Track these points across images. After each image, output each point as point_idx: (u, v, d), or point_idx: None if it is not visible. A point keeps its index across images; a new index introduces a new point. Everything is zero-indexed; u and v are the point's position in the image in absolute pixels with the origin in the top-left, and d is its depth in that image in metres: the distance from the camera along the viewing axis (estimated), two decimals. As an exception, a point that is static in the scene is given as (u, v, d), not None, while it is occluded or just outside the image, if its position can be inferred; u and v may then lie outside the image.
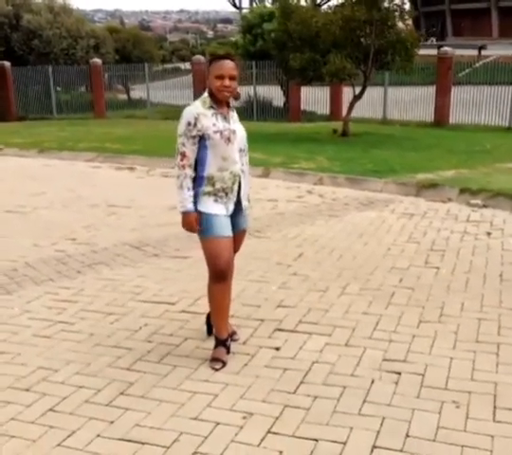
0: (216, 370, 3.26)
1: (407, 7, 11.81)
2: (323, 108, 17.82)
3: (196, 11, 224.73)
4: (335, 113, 17.12)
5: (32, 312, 4.14)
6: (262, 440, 2.63)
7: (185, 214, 3.19)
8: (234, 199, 3.22)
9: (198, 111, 3.11)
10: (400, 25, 11.88)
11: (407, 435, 2.59)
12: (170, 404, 2.96)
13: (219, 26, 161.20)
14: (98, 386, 3.15)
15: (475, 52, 23.84)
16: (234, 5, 61.77)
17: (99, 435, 2.72)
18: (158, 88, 20.90)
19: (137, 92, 22.21)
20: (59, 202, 7.54)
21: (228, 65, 3.09)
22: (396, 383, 3.02)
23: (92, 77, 20.34)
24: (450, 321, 3.70)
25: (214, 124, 3.10)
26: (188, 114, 3.11)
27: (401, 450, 2.50)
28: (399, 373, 3.10)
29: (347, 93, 15.40)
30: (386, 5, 11.21)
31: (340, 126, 12.69)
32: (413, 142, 11.39)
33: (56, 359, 3.45)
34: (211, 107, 3.13)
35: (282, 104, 19.24)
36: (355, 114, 12.88)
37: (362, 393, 2.94)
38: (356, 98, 12.39)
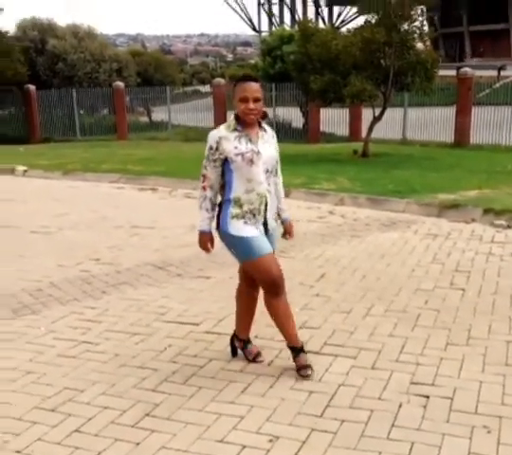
0: (308, 377, 3.29)
1: (426, 28, 11.87)
2: (343, 129, 17.89)
3: (216, 35, 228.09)
4: (354, 134, 17.18)
5: (57, 332, 4.17)
6: (289, 464, 2.60)
7: (200, 234, 3.33)
8: (262, 220, 3.24)
9: (220, 135, 3.17)
10: (419, 46, 11.95)
11: (437, 461, 2.55)
12: (195, 426, 2.94)
13: (239, 49, 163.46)
14: (123, 407, 3.14)
15: (494, 73, 23.87)
16: (254, 28, 62.93)
17: (125, 457, 2.72)
18: (179, 110, 21.19)
19: (159, 114, 22.55)
20: (83, 223, 7.62)
21: (253, 88, 3.12)
22: (425, 407, 2.97)
23: (115, 100, 20.69)
24: (478, 344, 3.64)
25: (236, 147, 3.14)
26: (210, 138, 3.18)
27: (432, 476, 2.46)
28: (427, 397, 3.06)
29: (366, 114, 15.47)
30: (405, 27, 11.30)
31: (360, 147, 12.71)
32: (434, 162, 11.36)
33: (81, 380, 3.46)
34: (235, 130, 3.17)
35: (301, 126, 19.36)
36: (374, 135, 12.91)
37: (390, 417, 2.90)
38: (376, 119, 12.42)
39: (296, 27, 42.96)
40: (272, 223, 3.33)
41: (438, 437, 2.71)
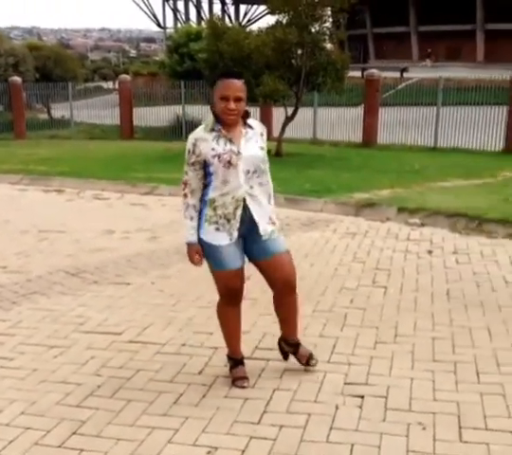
0: (244, 387, 3.19)
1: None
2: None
3: (118, 30, 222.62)
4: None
5: (-34, 347, 3.86)
6: (230, 476, 2.52)
7: (188, 246, 3.13)
8: (237, 225, 3.03)
9: (196, 136, 2.98)
10: (329, 47, 12.19)
11: (378, 462, 2.55)
12: (127, 442, 2.80)
13: (142, 44, 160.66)
14: (47, 426, 2.94)
15: (397, 74, 24.82)
16: (158, 24, 62.05)
17: (53, 481, 2.53)
18: (82, 107, 20.46)
19: (59, 111, 21.63)
20: (-14, 228, 7.16)
21: (235, 86, 2.89)
22: (361, 407, 2.98)
23: (11, 96, 19.62)
24: (406, 341, 3.71)
25: (213, 148, 2.95)
26: (188, 141, 3.00)
27: (374, 478, 2.45)
28: (362, 397, 3.07)
29: (276, 114, 15.63)
30: (317, 28, 11.48)
31: (273, 146, 12.79)
32: (345, 162, 11.62)
33: (-2, 399, 3.21)
34: (213, 130, 2.97)
35: (211, 124, 19.30)
36: (285, 134, 13.04)
37: (328, 420, 2.88)
38: (289, 119, 12.56)
39: (203, 23, 42.82)
40: (267, 227, 3.07)
41: (376, 437, 2.72)
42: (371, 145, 14.56)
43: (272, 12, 12.15)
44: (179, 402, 3.13)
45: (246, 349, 3.65)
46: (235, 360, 3.33)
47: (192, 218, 3.06)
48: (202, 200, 3.05)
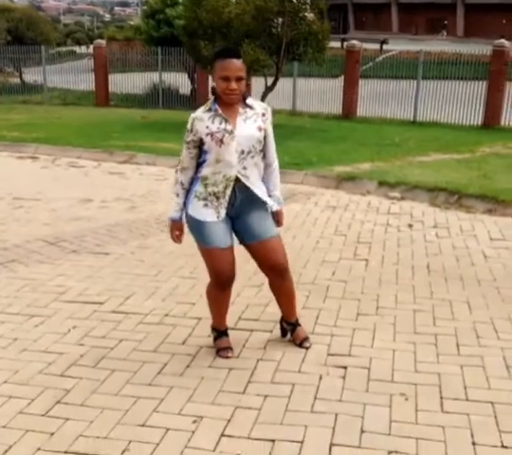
0: (229, 357, 3.22)
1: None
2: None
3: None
4: (244, 103, 17.09)
5: None
6: (217, 444, 2.55)
7: (170, 222, 3.15)
8: (225, 204, 3.02)
9: (194, 116, 3.01)
10: (310, 16, 11.97)
11: (362, 430, 2.60)
12: (113, 411, 2.80)
13: (116, 9, 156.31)
14: (30, 395, 2.93)
15: (377, 46, 24.60)
16: (134, -12, 60.30)
17: (39, 449, 2.54)
18: (54, 72, 19.90)
19: (31, 76, 21.02)
20: (-45, 195, 6.99)
21: (236, 66, 2.86)
22: (344, 377, 3.03)
23: (-19, 59, 19.01)
24: (387, 313, 3.76)
25: (207, 127, 2.96)
26: (188, 121, 3.02)
27: (359, 446, 2.50)
28: (345, 368, 3.11)
29: (255, 84, 15.43)
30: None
31: (253, 117, 12.67)
32: (325, 134, 11.57)
33: (-21, 368, 3.18)
34: (209, 110, 2.98)
35: (189, 92, 18.95)
36: (266, 105, 12.89)
37: (312, 390, 2.92)
38: (269, 89, 12.39)
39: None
40: (266, 199, 3.12)
41: (360, 407, 2.77)
42: (350, 117, 14.49)
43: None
44: (163, 372, 3.13)
45: (229, 319, 3.65)
46: (219, 331, 3.35)
47: (178, 195, 3.10)
48: (195, 177, 3.07)
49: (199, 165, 3.07)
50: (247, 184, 3.03)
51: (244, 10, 11.15)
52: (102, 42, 19.72)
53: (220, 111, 2.96)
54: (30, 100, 18.76)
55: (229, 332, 3.42)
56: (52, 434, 2.64)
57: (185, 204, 3.11)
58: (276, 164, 3.18)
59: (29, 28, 25.22)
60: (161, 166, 8.88)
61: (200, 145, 3.02)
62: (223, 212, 3.04)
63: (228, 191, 3.01)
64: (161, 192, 7.24)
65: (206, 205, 3.03)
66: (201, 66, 13.46)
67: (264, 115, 3.04)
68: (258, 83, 14.79)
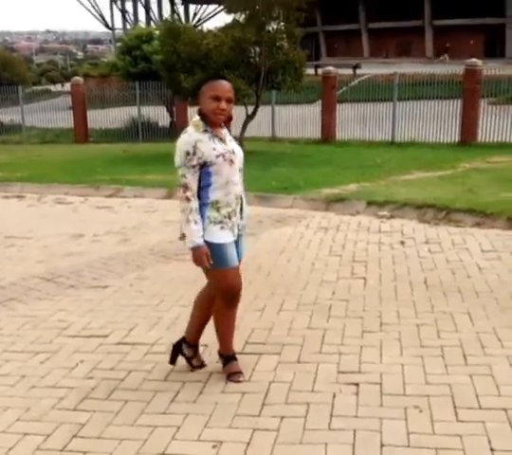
0: (240, 382, 3.23)
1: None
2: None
3: (64, 32, 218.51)
4: (223, 133, 17.31)
5: None
6: (239, 468, 2.56)
7: (196, 249, 3.02)
8: (238, 222, 3.11)
9: (195, 138, 2.96)
10: (286, 45, 12.27)
11: (382, 444, 2.63)
12: (131, 441, 2.80)
13: (89, 46, 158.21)
14: (46, 431, 2.92)
15: (349, 71, 25.16)
16: (106, 25, 61.21)
17: (61, 485, 2.52)
18: (31, 111, 20.01)
19: (6, 116, 21.16)
20: None
21: (225, 87, 2.97)
22: (357, 394, 3.06)
23: (-40, 101, 19.07)
24: (391, 329, 3.81)
25: (214, 148, 2.97)
26: (184, 144, 2.96)
27: (380, 460, 2.53)
28: (357, 385, 3.15)
29: (235, 112, 15.64)
30: (274, 26, 11.58)
31: (235, 145, 12.84)
32: (308, 159, 11.75)
33: (-10, 407, 3.16)
34: (206, 131, 2.99)
35: (168, 124, 19.17)
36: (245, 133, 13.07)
37: (327, 408, 2.95)
38: (250, 117, 12.61)
39: (152, 24, 42.33)
40: (244, 222, 3.22)
41: (376, 422, 2.80)
42: (330, 141, 14.74)
43: (229, 12, 12.18)
44: (177, 400, 3.14)
45: (236, 344, 3.68)
46: (228, 356, 3.36)
47: (196, 222, 2.99)
48: (200, 205, 3.02)
49: (201, 190, 3.03)
50: (245, 200, 3.16)
51: (222, 42, 11.43)
52: (80, 79, 19.95)
53: (215, 132, 3.00)
54: (9, 140, 18.83)
55: (238, 356, 3.45)
56: (73, 469, 2.63)
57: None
58: None
59: (5, 69, 25.43)
60: (149, 198, 8.94)
61: (201, 168, 2.99)
62: (236, 231, 3.12)
63: (238, 209, 3.10)
64: (152, 224, 7.28)
65: (222, 227, 3.05)
66: (181, 98, 13.69)
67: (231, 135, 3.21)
68: (238, 113, 15.06)
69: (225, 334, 3.34)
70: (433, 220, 6.43)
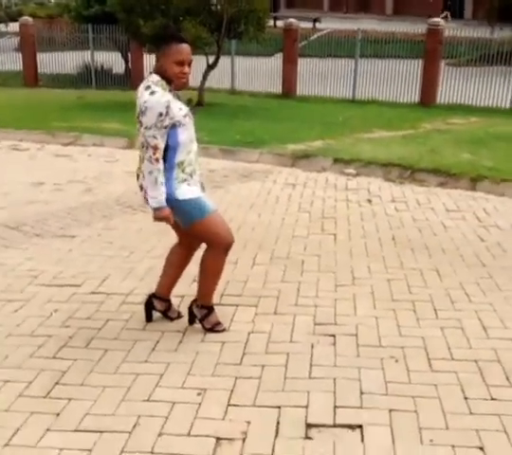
0: (224, 331, 3.32)
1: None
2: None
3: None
4: (182, 82, 16.89)
5: None
6: (225, 413, 2.64)
7: (160, 209, 3.03)
8: (198, 179, 3.14)
9: (167, 98, 2.92)
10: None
11: (361, 392, 2.75)
12: (115, 388, 2.84)
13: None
14: (27, 378, 2.93)
15: (309, 24, 24.72)
16: (56, -37, 57.86)
17: (48, 429, 2.55)
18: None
19: None
20: None
21: (188, 50, 2.97)
22: (334, 345, 3.17)
23: None
24: (364, 284, 3.94)
25: (180, 108, 2.98)
26: (158, 104, 2.89)
27: (361, 407, 2.66)
28: (334, 336, 3.26)
29: (194, 61, 15.24)
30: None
31: (195, 96, 12.55)
32: (270, 113, 11.63)
33: (-35, 355, 3.13)
34: (170, 91, 2.98)
35: (123, 71, 18.52)
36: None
37: (306, 358, 3.05)
38: (210, 67, 12.29)
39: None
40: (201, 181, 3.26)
41: (355, 371, 2.92)
42: (290, 96, 14.59)
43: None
44: (157, 349, 3.18)
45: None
46: (211, 307, 3.40)
47: (162, 183, 2.99)
48: (167, 167, 3.01)
49: (168, 152, 3.00)
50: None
51: (184, -13, 10.97)
52: (29, 19, 18.85)
53: (174, 92, 3.02)
54: (-49, 82, 17.82)
55: (216, 308, 3.50)
56: (58, 414, 2.65)
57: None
58: None
59: None
60: (109, 147, 8.73)
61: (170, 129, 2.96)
62: (200, 186, 3.18)
63: (197, 166, 3.15)
64: (114, 174, 7.14)
65: (189, 184, 3.08)
66: (139, 44, 13.19)
67: None
68: (196, 62, 14.66)
69: (215, 285, 3.35)
70: (398, 179, 6.56)
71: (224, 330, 3.33)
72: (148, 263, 4.36)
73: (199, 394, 2.78)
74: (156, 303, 3.47)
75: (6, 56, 18.95)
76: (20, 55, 18.31)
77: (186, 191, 3.07)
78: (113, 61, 18.05)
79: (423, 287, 3.88)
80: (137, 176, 3.22)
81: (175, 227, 3.30)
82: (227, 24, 11.49)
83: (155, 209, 3.05)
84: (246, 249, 4.56)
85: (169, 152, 3.01)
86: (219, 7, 11.59)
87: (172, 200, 3.06)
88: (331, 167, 7.04)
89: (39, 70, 18.00)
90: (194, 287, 3.80)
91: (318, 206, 5.72)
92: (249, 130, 9.16)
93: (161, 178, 2.99)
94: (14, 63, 18.44)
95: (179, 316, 3.50)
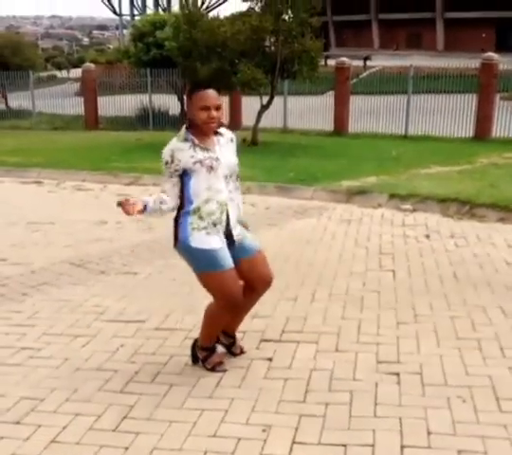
0: (226, 371, 3.32)
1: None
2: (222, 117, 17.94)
3: (70, 17, 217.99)
4: (235, 122, 17.30)
5: (-13, 339, 3.86)
6: (291, 450, 2.64)
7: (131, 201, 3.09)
8: (223, 230, 3.13)
9: (172, 147, 3.08)
10: (302, 34, 12.21)
11: (429, 432, 2.71)
12: (181, 424, 2.89)
13: (95, 32, 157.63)
14: (96, 412, 3.01)
15: (359, 62, 25.06)
16: (114, 11, 60.80)
17: (117, 463, 2.61)
18: (38, 97, 19.97)
19: (15, 101, 21.12)
20: (-32, 220, 7.03)
21: (213, 95, 3.05)
22: (399, 383, 3.14)
23: (-30, 85, 19.02)
24: (426, 321, 3.90)
25: (192, 156, 3.06)
26: (164, 154, 3.09)
27: (429, 447, 2.61)
28: (398, 374, 3.23)
29: (246, 102, 15.69)
30: (291, 15, 11.56)
31: (248, 135, 12.86)
32: (322, 150, 11.78)
33: (38, 388, 3.26)
34: (186, 140, 3.09)
35: (178, 113, 19.15)
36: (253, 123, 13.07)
37: (371, 396, 3.03)
38: (265, 107, 12.62)
39: (160, 11, 41.96)
40: (237, 231, 3.21)
41: (421, 410, 2.88)
42: (342, 133, 14.76)
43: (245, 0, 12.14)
44: (221, 384, 3.22)
45: (273, 332, 3.79)
46: (209, 348, 3.38)
47: (158, 197, 3.11)
48: (183, 213, 3.10)
49: (184, 198, 3.10)
50: (234, 205, 3.17)
51: (239, 30, 11.39)
52: (91, 65, 19.89)
53: (197, 141, 3.08)
54: (18, 126, 18.78)
55: (276, 345, 3.53)
56: (127, 448, 2.72)
57: (175, 234, 3.15)
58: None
59: (15, 54, 25.35)
60: (168, 186, 8.98)
61: (182, 175, 3.08)
62: (224, 239, 3.14)
63: (224, 217, 3.12)
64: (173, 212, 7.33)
65: (208, 233, 3.08)
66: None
67: (232, 140, 3.23)
68: (249, 103, 15.06)
69: (215, 332, 3.37)
70: (456, 214, 6.50)
71: (225, 371, 3.33)
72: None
73: (264, 431, 2.80)
74: (221, 338, 3.51)
75: (67, 100, 19.93)
76: (80, 99, 19.25)
77: (200, 240, 3.07)
78: (169, 103, 18.74)
79: (488, 325, 3.81)
80: None
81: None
82: (280, 64, 11.82)
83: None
84: (304, 286, 4.60)
85: (185, 198, 3.10)
86: (273, 48, 11.97)
87: (185, 245, 3.11)
88: (387, 203, 7.05)
89: (99, 113, 18.82)
90: (256, 322, 3.88)
91: (375, 241, 5.72)
92: (303, 167, 9.29)
93: (160, 196, 3.11)
94: (75, 107, 19.36)
95: (242, 351, 3.55)
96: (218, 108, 3.05)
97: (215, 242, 3.09)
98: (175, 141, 3.11)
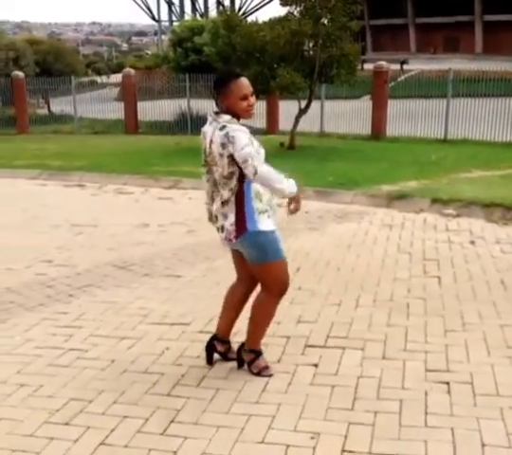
0: (271, 376, 3.30)
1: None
2: (259, 121, 17.96)
3: (109, 24, 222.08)
4: (272, 126, 17.30)
5: (36, 340, 3.93)
6: (341, 459, 2.61)
7: (297, 195, 3.11)
8: (276, 210, 3.18)
9: (244, 130, 3.04)
10: (341, 38, 12.16)
11: (483, 444, 2.65)
12: (228, 429, 2.88)
13: (134, 38, 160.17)
14: (144, 414, 3.02)
15: (396, 66, 24.86)
16: (153, 17, 61.72)
17: (167, 467, 2.62)
18: (79, 102, 20.33)
19: (56, 106, 21.56)
20: (13, 223, 7.15)
21: (247, 82, 3.08)
22: (449, 393, 3.08)
23: (14, 90, 19.45)
24: (475, 329, 3.82)
25: (253, 142, 3.06)
26: (244, 133, 3.01)
27: (483, 459, 2.56)
28: (448, 383, 3.17)
29: (284, 106, 15.68)
30: (330, 19, 11.53)
31: (286, 139, 12.85)
32: (360, 154, 11.69)
33: (85, 389, 3.29)
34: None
35: (216, 118, 19.28)
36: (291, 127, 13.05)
37: (420, 406, 2.98)
38: (303, 111, 12.59)
39: (197, 16, 42.40)
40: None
41: (473, 421, 2.82)
42: (380, 137, 14.61)
43: (284, 4, 12.14)
44: (267, 390, 3.21)
45: (317, 338, 3.76)
46: (258, 351, 3.39)
47: (283, 178, 3.00)
48: (245, 198, 3.06)
49: (244, 184, 3.05)
50: None
51: (278, 35, 11.40)
52: (131, 71, 20.14)
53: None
54: (60, 130, 19.15)
55: (321, 350, 3.50)
56: (175, 453, 2.72)
57: (241, 224, 3.07)
58: None
59: (57, 60, 25.93)
60: (207, 190, 9.02)
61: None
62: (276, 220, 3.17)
63: (273, 199, 3.15)
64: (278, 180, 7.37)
65: (268, 216, 3.10)
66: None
67: None
68: (286, 106, 15.03)
69: (265, 330, 3.37)
70: (501, 220, 6.37)
71: (271, 375, 3.30)
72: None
73: (313, 438, 2.77)
74: (217, 345, 3.51)
75: (107, 105, 20.24)
76: (120, 104, 19.52)
77: (264, 223, 3.07)
78: (207, 108, 18.84)
79: (539, 334, 3.71)
80: (216, 218, 3.25)
81: (238, 262, 3.36)
82: (319, 68, 11.79)
83: (296, 195, 3.08)
84: (347, 291, 4.56)
85: (245, 184, 3.06)
86: (312, 52, 11.95)
87: (251, 232, 3.06)
88: (429, 207, 6.95)
89: (139, 118, 19.06)
90: (300, 327, 3.85)
91: (418, 247, 5.64)
92: (342, 171, 9.24)
93: (277, 174, 2.97)
94: (115, 111, 19.64)
95: (240, 356, 3.46)
96: (253, 95, 3.09)
97: (274, 224, 3.13)
98: (238, 125, 3.04)
